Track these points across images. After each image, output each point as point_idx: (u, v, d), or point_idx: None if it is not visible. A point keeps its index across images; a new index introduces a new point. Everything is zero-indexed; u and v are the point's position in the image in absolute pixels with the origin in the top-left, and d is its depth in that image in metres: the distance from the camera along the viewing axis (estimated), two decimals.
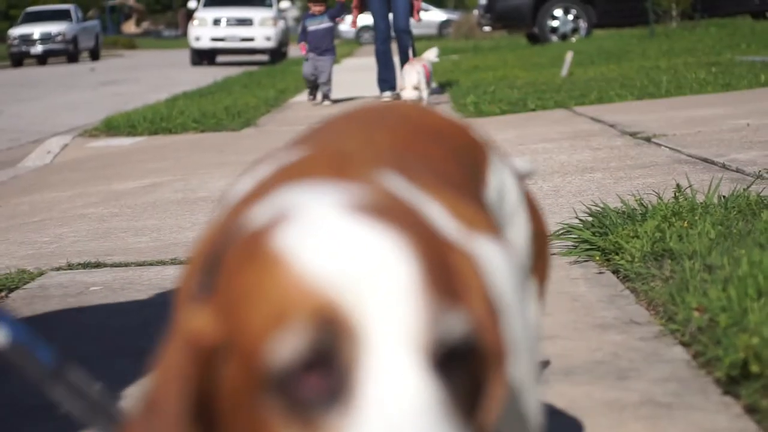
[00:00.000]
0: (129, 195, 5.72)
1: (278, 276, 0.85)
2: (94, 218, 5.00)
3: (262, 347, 0.83)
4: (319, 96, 11.50)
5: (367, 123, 1.29)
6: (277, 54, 26.89)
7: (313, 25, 11.39)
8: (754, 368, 2.14)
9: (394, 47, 10.75)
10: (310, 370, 0.82)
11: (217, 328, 0.87)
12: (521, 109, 8.76)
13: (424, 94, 9.64)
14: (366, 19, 18.40)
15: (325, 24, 11.40)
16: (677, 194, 3.71)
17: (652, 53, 14.01)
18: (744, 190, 3.72)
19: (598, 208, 3.73)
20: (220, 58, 27.86)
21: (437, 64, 11.43)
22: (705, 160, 5.15)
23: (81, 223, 4.89)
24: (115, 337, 2.96)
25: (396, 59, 10.75)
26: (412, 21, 10.78)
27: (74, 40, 34.15)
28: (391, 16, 10.73)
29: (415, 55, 10.46)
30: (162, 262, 3.85)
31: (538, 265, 1.40)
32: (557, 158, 5.78)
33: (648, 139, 6.15)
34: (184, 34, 41.93)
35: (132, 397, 2.25)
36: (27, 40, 33.82)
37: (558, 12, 19.66)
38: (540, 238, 1.42)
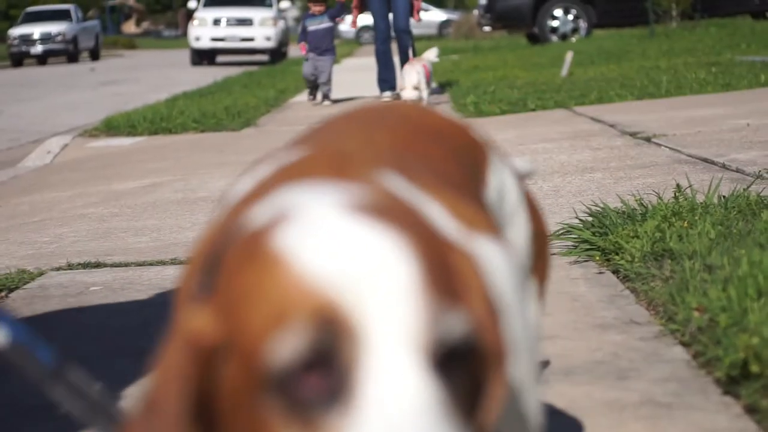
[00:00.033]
0: (129, 195, 5.72)
1: (278, 276, 0.85)
2: (94, 218, 5.00)
3: (262, 347, 0.83)
4: (319, 96, 11.50)
5: (366, 123, 1.29)
6: (277, 54, 26.89)
7: (313, 25, 11.39)
8: (754, 368, 2.14)
9: (394, 47, 10.75)
10: (310, 370, 0.82)
11: (217, 328, 0.87)
12: (521, 109, 8.76)
13: (424, 94, 9.64)
14: (366, 19, 18.40)
15: (325, 24, 11.40)
16: (677, 194, 3.71)
17: (652, 53, 14.01)
18: (744, 190, 3.72)
19: (598, 208, 3.73)
20: (220, 58, 27.86)
21: (437, 64, 11.44)
22: (705, 160, 5.15)
23: (81, 223, 4.89)
24: (115, 337, 2.96)
25: (396, 59, 10.76)
26: (412, 21, 10.79)
27: (74, 40, 34.15)
28: (391, 16, 10.74)
29: (415, 55, 10.46)
30: (162, 262, 3.85)
31: (538, 265, 1.40)
32: (557, 158, 5.78)
33: (648, 139, 6.15)
34: (184, 34, 41.96)
35: (132, 397, 2.25)
36: (27, 40, 33.82)
37: (558, 12, 19.66)
38: (540, 238, 1.42)
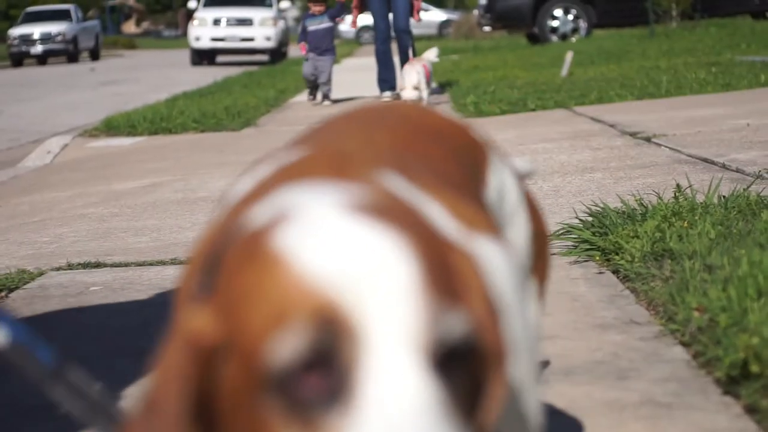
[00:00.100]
0: (129, 195, 5.72)
1: (278, 276, 0.85)
2: (94, 218, 5.01)
3: (262, 347, 0.83)
4: (319, 96, 11.50)
5: (367, 123, 1.29)
6: (277, 54, 26.89)
7: (313, 25, 11.38)
8: (754, 368, 2.14)
9: (394, 47, 10.75)
10: (310, 370, 0.82)
11: (217, 328, 0.87)
12: (521, 109, 8.76)
13: (424, 94, 9.64)
14: (366, 19, 18.40)
15: (325, 24, 11.40)
16: (677, 194, 3.71)
17: (652, 53, 14.01)
18: (744, 190, 3.72)
19: (598, 208, 3.73)
20: (220, 58, 27.86)
21: (437, 64, 11.44)
22: (705, 160, 5.15)
23: (81, 223, 4.89)
24: (115, 337, 2.96)
25: (396, 59, 10.76)
26: (412, 21, 10.79)
27: (74, 40, 34.15)
28: (391, 16, 10.74)
29: (415, 55, 10.46)
30: (162, 262, 3.85)
31: (538, 265, 1.40)
32: (557, 158, 5.78)
33: (648, 139, 6.15)
34: (184, 34, 41.97)
35: (132, 397, 2.25)
36: (27, 40, 33.82)
37: (558, 12, 19.66)
38: (540, 238, 1.42)
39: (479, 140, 1.36)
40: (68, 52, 34.12)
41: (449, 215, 1.06)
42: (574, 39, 19.13)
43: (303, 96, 12.42)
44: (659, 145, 5.89)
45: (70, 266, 3.88)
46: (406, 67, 9.89)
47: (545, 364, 2.39)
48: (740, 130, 6.11)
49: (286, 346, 0.82)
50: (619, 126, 6.92)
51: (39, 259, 4.06)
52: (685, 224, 3.31)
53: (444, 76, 13.36)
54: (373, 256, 0.85)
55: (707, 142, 5.74)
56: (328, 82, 11.33)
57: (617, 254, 3.28)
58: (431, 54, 10.34)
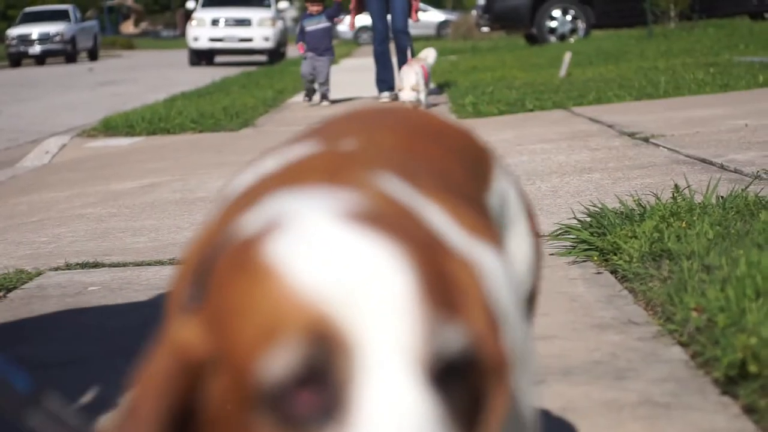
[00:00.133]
0: (127, 195, 5.71)
1: (269, 288, 0.82)
2: (93, 218, 5.00)
3: (253, 362, 0.81)
4: (317, 96, 11.49)
5: (367, 123, 1.27)
6: (275, 54, 26.87)
7: (311, 26, 11.38)
8: (752, 368, 2.14)
9: (393, 48, 10.75)
10: (303, 386, 0.80)
11: (205, 341, 0.85)
12: (519, 109, 8.76)
13: (422, 95, 9.63)
14: (364, 19, 18.40)
15: (323, 24, 11.39)
16: (675, 195, 3.71)
17: (650, 54, 14.01)
18: (742, 190, 3.72)
19: (597, 209, 3.73)
20: (218, 59, 27.84)
21: (435, 65, 11.42)
22: (703, 161, 5.15)
23: (79, 223, 4.88)
24: (114, 337, 2.96)
25: (394, 60, 10.76)
26: (410, 21, 10.79)
27: (72, 40, 34.13)
28: (389, 16, 10.74)
29: (413, 55, 10.45)
30: (160, 263, 3.85)
31: (534, 275, 1.37)
32: (555, 159, 5.78)
33: (646, 140, 6.15)
34: (183, 34, 41.94)
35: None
36: (25, 40, 33.79)
37: (556, 12, 19.66)
38: (537, 251, 1.39)
39: (482, 144, 1.33)
40: (66, 53, 34.10)
41: (450, 220, 1.03)
42: (572, 39, 19.13)
43: (301, 96, 12.42)
44: (657, 145, 5.90)
45: (68, 266, 3.88)
46: (405, 68, 9.88)
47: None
48: (738, 130, 6.12)
49: (278, 362, 0.80)
50: (617, 126, 6.92)
51: (37, 259, 4.06)
52: (684, 225, 3.31)
53: (442, 77, 13.35)
54: (368, 267, 0.82)
55: (705, 143, 5.74)
56: (326, 82, 11.32)
57: (615, 254, 3.28)
58: (429, 57, 10.31)
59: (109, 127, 9.66)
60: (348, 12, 11.74)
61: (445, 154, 1.23)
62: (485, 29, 22.06)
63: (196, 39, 26.38)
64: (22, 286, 3.62)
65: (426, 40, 29.38)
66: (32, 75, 25.62)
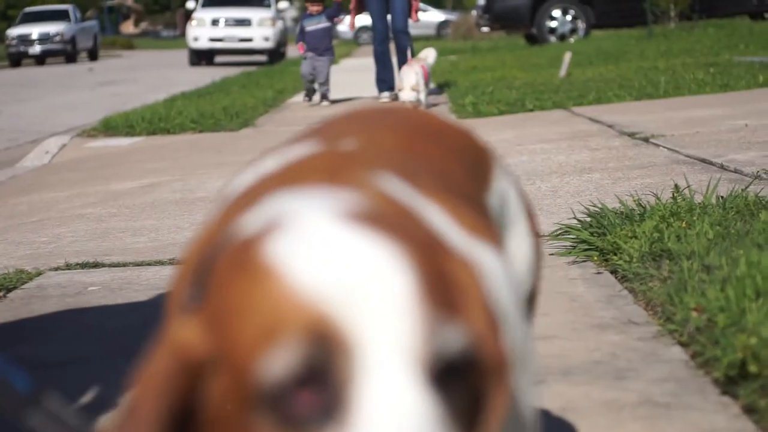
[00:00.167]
0: (127, 195, 5.71)
1: (269, 288, 0.82)
2: (93, 218, 5.00)
3: (253, 362, 0.81)
4: (317, 96, 11.49)
5: (367, 123, 1.27)
6: (275, 54, 26.87)
7: (311, 26, 11.37)
8: (752, 368, 2.14)
9: (393, 48, 10.75)
10: (303, 386, 0.80)
11: (205, 342, 0.85)
12: (519, 109, 8.76)
13: (422, 95, 9.63)
14: (364, 19, 18.40)
15: (323, 24, 11.38)
16: (675, 195, 3.71)
17: (650, 54, 14.01)
18: (742, 190, 3.72)
19: (597, 209, 3.73)
20: (218, 59, 27.84)
21: (435, 65, 11.42)
22: (703, 161, 5.15)
23: (79, 223, 4.88)
24: (114, 337, 2.96)
25: (394, 60, 10.76)
26: (410, 21, 10.78)
27: (72, 40, 34.13)
28: (389, 16, 10.74)
29: (413, 55, 10.45)
30: (160, 263, 3.85)
31: (534, 276, 1.37)
32: (555, 159, 5.79)
33: (646, 140, 6.15)
34: (183, 34, 41.94)
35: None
36: (25, 40, 33.80)
37: (556, 12, 19.66)
38: (537, 251, 1.39)
39: (482, 144, 1.33)
40: (66, 53, 34.10)
41: (450, 220, 1.03)
42: (572, 39, 19.13)
43: (301, 96, 12.42)
44: (657, 145, 5.90)
45: (68, 266, 3.88)
46: (405, 68, 9.88)
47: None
48: (738, 130, 6.12)
49: (278, 362, 0.80)
50: (617, 126, 6.92)
51: (37, 259, 4.06)
52: (684, 225, 3.31)
53: (442, 77, 13.35)
54: (367, 267, 0.82)
55: (705, 143, 5.74)
56: (326, 82, 11.32)
57: (615, 254, 3.28)
58: (429, 57, 10.30)
59: (109, 127, 9.66)
60: (348, 12, 11.74)
61: (445, 154, 1.22)
62: (485, 29, 22.06)
63: (196, 39, 26.38)
64: (22, 286, 3.62)
65: (426, 40, 29.38)
66: (32, 75, 25.63)
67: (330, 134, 1.19)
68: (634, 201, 3.74)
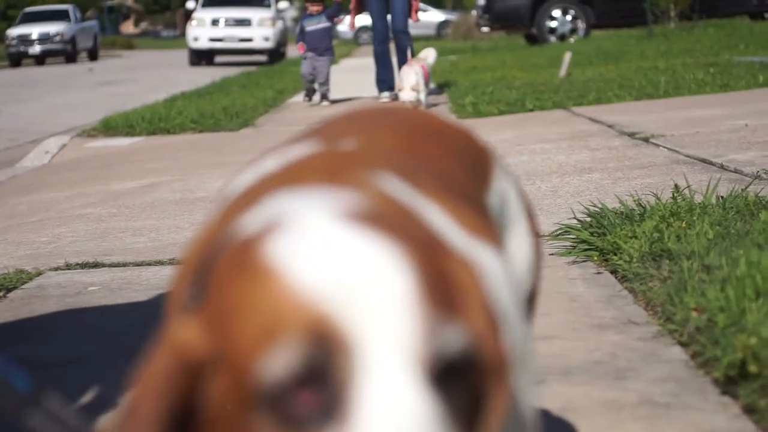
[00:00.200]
0: (127, 195, 5.71)
1: (269, 288, 0.82)
2: (93, 218, 5.00)
3: (253, 363, 0.81)
4: (317, 96, 11.49)
5: (367, 123, 1.27)
6: (275, 54, 26.87)
7: (311, 26, 11.37)
8: (753, 368, 2.14)
9: (393, 48, 10.75)
10: (303, 386, 0.80)
11: (205, 342, 0.85)
12: (519, 109, 8.76)
13: (422, 95, 9.63)
14: (364, 19, 18.40)
15: (323, 24, 11.38)
16: (675, 195, 3.71)
17: (650, 54, 14.01)
18: (742, 190, 3.72)
19: (597, 209, 3.73)
20: (218, 59, 27.84)
21: (435, 65, 11.42)
22: (703, 161, 5.15)
23: (79, 223, 4.88)
24: (114, 337, 2.96)
25: (394, 60, 10.76)
26: (410, 21, 10.78)
27: (72, 40, 34.13)
28: (389, 16, 10.74)
29: (413, 56, 10.45)
30: (160, 263, 3.85)
31: (534, 277, 1.37)
32: (555, 158, 5.79)
33: (646, 140, 6.15)
34: (183, 34, 41.94)
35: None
36: (25, 40, 33.79)
37: (556, 12, 19.66)
38: (537, 251, 1.39)
39: (482, 144, 1.33)
40: (66, 53, 34.10)
41: (450, 220, 1.03)
42: (572, 39, 19.13)
43: (301, 96, 12.42)
44: (657, 145, 5.90)
45: (68, 266, 3.88)
46: (405, 68, 9.88)
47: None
48: (738, 130, 6.12)
49: (279, 362, 0.80)
50: (617, 126, 6.92)
51: (37, 259, 4.06)
52: (684, 225, 3.31)
53: (442, 77, 13.35)
54: (367, 267, 0.82)
55: (705, 143, 5.74)
56: (326, 82, 11.32)
57: (615, 254, 3.28)
58: (429, 57, 10.29)
59: (109, 127, 9.66)
60: (348, 12, 11.74)
61: (445, 154, 1.22)
62: (485, 29, 22.06)
63: (196, 39, 26.38)
64: (22, 286, 3.62)
65: (426, 40, 29.39)
66: (32, 75, 25.63)
67: (330, 134, 1.19)
68: (634, 201, 3.74)
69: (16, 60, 33.82)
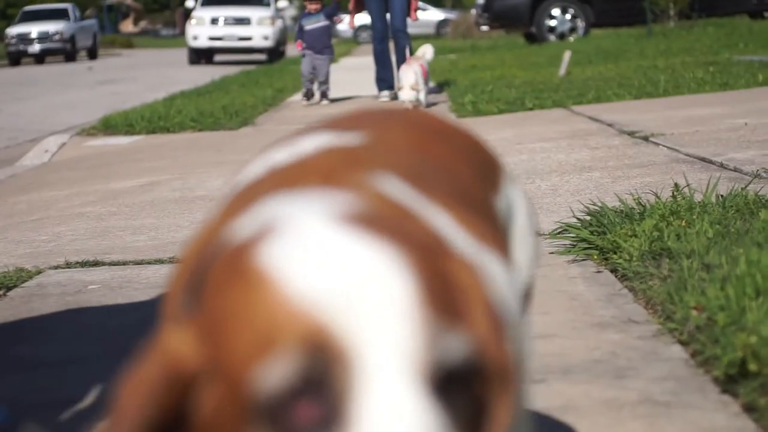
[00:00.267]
0: (127, 194, 5.71)
1: (264, 296, 0.79)
2: (92, 217, 5.00)
3: (248, 374, 0.78)
4: (316, 95, 11.49)
5: (376, 123, 1.25)
6: (274, 53, 26.87)
7: (310, 24, 11.36)
8: (752, 367, 2.14)
9: (392, 46, 10.75)
10: (300, 397, 0.77)
11: (198, 353, 0.82)
12: (519, 108, 8.75)
13: (422, 94, 9.63)
14: (364, 18, 18.39)
15: (322, 22, 11.38)
16: (675, 193, 3.71)
17: (649, 53, 14.01)
18: (742, 189, 3.72)
19: (596, 207, 3.74)
20: (217, 57, 27.83)
21: (434, 64, 11.42)
22: (703, 160, 5.15)
23: (79, 222, 4.88)
24: (114, 336, 2.96)
25: (393, 58, 10.75)
26: (409, 20, 10.78)
27: (72, 39, 34.11)
28: (388, 15, 10.73)
29: (412, 54, 10.45)
30: (160, 261, 3.85)
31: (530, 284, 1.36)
32: (555, 157, 5.79)
33: (646, 139, 6.15)
34: (182, 33, 41.92)
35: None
36: (24, 39, 33.77)
37: (556, 11, 19.66)
38: (536, 250, 1.39)
39: (490, 148, 1.32)
40: (66, 51, 34.08)
41: (456, 225, 1.00)
42: (571, 38, 19.13)
43: (300, 95, 12.42)
44: (657, 144, 5.90)
45: (68, 265, 3.88)
46: (404, 67, 9.87)
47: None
48: (738, 129, 6.12)
49: (275, 373, 0.77)
50: (617, 125, 6.92)
51: (37, 258, 4.06)
52: (683, 223, 3.31)
53: (442, 76, 13.35)
54: (365, 271, 0.79)
55: (705, 142, 5.74)
56: (326, 81, 11.32)
57: (615, 253, 3.28)
58: (427, 54, 10.28)
59: (109, 126, 9.66)
60: (346, 11, 11.74)
61: (455, 156, 1.20)
62: (484, 28, 22.07)
63: (195, 38, 26.37)
64: (22, 285, 3.62)
65: (425, 38, 29.37)
66: (31, 74, 25.61)
67: (341, 129, 1.17)
68: (634, 200, 3.74)
69: (16, 59, 33.79)
